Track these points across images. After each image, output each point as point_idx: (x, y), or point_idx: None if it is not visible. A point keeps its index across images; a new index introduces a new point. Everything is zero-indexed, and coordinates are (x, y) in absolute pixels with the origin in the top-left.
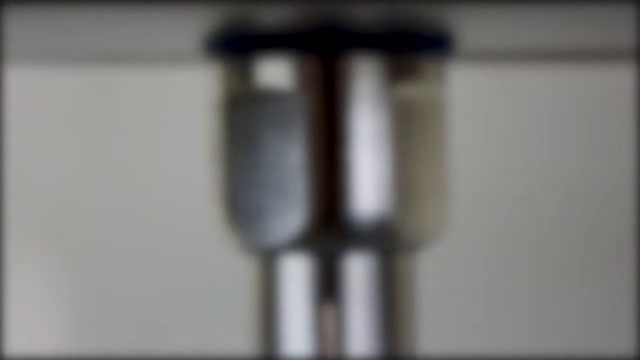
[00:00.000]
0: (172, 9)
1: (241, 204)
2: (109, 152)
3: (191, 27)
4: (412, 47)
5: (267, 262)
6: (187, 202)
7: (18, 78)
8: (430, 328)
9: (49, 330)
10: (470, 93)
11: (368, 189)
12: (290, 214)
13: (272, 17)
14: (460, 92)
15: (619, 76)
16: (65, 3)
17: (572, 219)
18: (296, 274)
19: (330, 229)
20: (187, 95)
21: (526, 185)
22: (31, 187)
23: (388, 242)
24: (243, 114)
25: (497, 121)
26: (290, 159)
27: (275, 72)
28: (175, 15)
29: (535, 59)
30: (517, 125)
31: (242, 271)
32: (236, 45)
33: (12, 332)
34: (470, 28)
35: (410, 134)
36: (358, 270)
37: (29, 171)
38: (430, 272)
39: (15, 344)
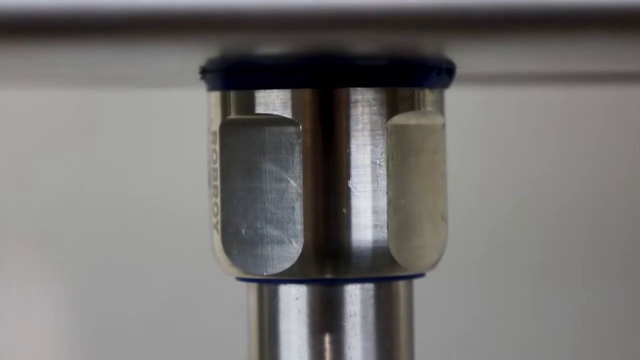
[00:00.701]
0: (169, 44)
1: (239, 231)
2: (108, 171)
3: (189, 61)
4: (411, 78)
5: (266, 290)
6: (187, 224)
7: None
8: (429, 353)
9: (46, 346)
10: (472, 109)
11: (366, 217)
12: (289, 243)
13: (271, 51)
14: (461, 109)
15: (628, 96)
16: (58, 43)
17: (574, 244)
18: (294, 303)
19: (329, 258)
20: (187, 116)
21: (527, 205)
22: (28, 202)
23: (386, 271)
24: (242, 141)
25: (500, 138)
26: (289, 187)
27: (274, 100)
28: (173, 50)
29: (538, 81)
30: (518, 143)
31: (241, 298)
32: (235, 78)
33: (7, 349)
34: (471, 59)
35: (408, 162)
36: (356, 299)
37: (23, 190)
38: (429, 295)
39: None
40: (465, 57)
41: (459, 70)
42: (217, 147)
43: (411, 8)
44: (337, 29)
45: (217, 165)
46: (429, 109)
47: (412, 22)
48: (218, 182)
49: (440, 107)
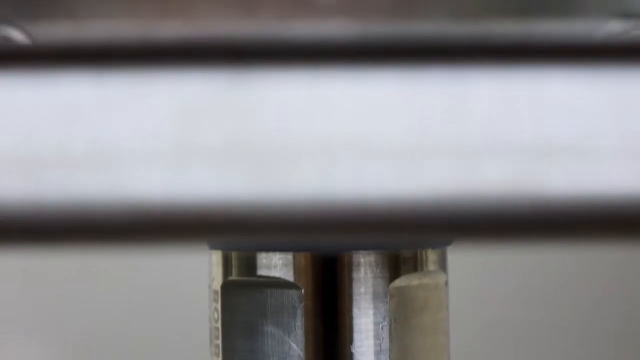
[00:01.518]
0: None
1: None
2: (106, 328)
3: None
4: (413, 242)
5: None
6: None
7: None
8: None
9: None
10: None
11: None
12: None
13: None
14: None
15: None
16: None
17: None
18: None
19: None
20: (187, 272)
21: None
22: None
23: None
24: (243, 302)
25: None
26: (291, 350)
27: (276, 263)
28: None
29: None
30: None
31: None
32: (236, 240)
33: None
34: None
35: (411, 323)
36: None
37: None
38: None
39: None
40: None
41: None
42: (219, 306)
43: (409, 217)
44: (335, 234)
45: (219, 325)
46: (431, 268)
47: (407, 229)
48: (219, 342)
49: (442, 264)
